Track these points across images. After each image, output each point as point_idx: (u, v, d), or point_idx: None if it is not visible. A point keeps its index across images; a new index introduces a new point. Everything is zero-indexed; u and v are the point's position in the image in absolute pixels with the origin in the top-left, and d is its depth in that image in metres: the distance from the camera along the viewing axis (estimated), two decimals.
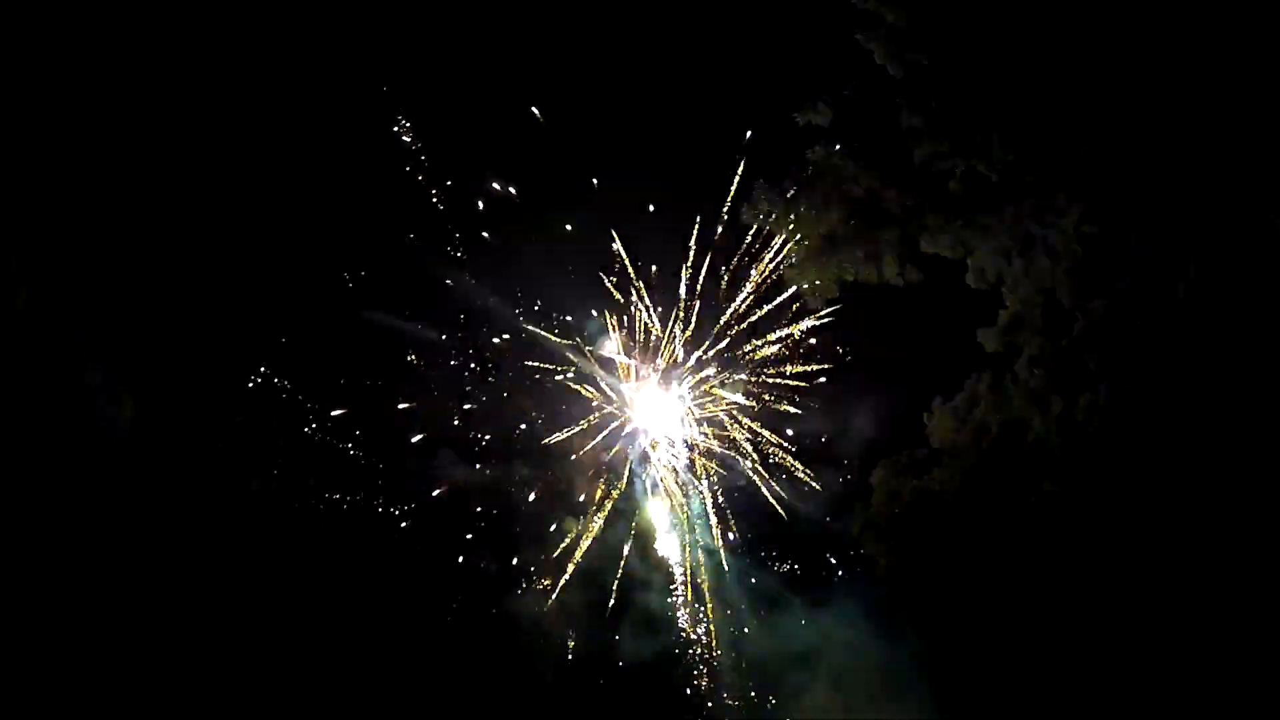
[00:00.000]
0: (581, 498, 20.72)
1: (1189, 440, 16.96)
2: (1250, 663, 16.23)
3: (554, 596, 20.65)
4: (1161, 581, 16.58)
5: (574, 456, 20.82)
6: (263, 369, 19.93)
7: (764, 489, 20.33)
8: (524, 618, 20.81)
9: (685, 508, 20.94)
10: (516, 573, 20.95)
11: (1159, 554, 16.64)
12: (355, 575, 20.31)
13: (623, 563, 20.79)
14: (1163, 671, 16.55)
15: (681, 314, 20.48)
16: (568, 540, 20.68)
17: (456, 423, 20.86)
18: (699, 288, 20.33)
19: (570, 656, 20.90)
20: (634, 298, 20.40)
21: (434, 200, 20.06)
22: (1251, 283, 16.89)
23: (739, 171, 19.72)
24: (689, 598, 20.87)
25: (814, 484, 20.38)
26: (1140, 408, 17.26)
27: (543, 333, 20.57)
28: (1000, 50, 18.06)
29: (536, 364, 20.77)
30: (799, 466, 20.50)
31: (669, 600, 20.94)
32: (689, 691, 21.02)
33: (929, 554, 19.11)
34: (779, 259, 20.12)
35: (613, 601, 20.74)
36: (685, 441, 21.08)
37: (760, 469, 20.60)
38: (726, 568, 20.70)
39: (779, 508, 20.40)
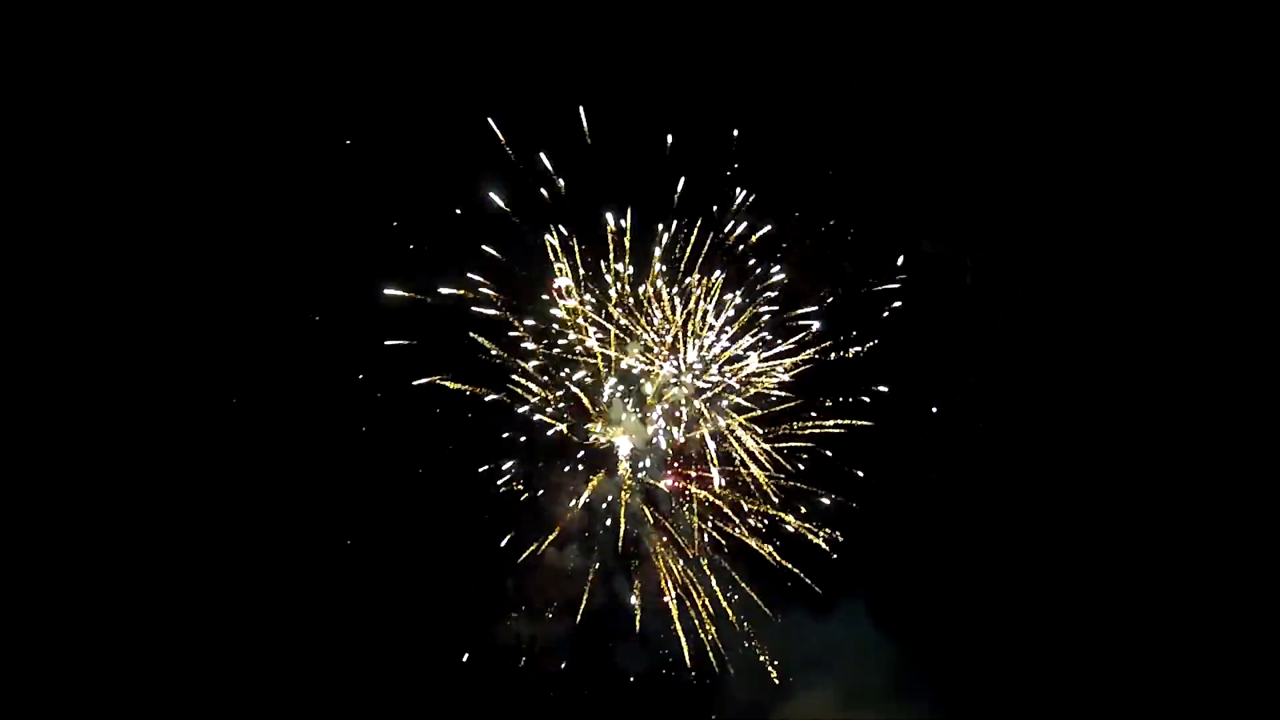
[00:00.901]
0: (560, 523, 20.65)
1: (1190, 440, 16.99)
2: (1249, 662, 16.26)
3: (547, 616, 20.63)
4: (1161, 582, 16.59)
5: (559, 507, 20.72)
6: (236, 400, 19.85)
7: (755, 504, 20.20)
8: (515, 643, 20.80)
9: (671, 525, 20.84)
10: (506, 600, 20.96)
11: (1159, 554, 16.64)
12: (343, 605, 20.25)
13: (590, 584, 20.75)
14: (1161, 672, 16.56)
15: (667, 333, 20.31)
16: (554, 567, 20.65)
17: (425, 470, 20.61)
18: (684, 306, 20.11)
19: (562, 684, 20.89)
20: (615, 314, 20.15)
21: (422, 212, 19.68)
22: (1252, 281, 16.93)
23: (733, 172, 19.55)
24: (679, 615, 20.79)
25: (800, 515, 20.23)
26: (1141, 407, 17.29)
27: (524, 364, 20.32)
28: (1000, 45, 18.09)
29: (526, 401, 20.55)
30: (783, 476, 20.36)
31: (662, 623, 20.91)
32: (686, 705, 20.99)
33: (928, 554, 19.12)
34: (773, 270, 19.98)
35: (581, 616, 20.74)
36: (670, 461, 20.94)
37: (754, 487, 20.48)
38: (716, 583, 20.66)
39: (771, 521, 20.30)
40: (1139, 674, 16.86)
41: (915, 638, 19.52)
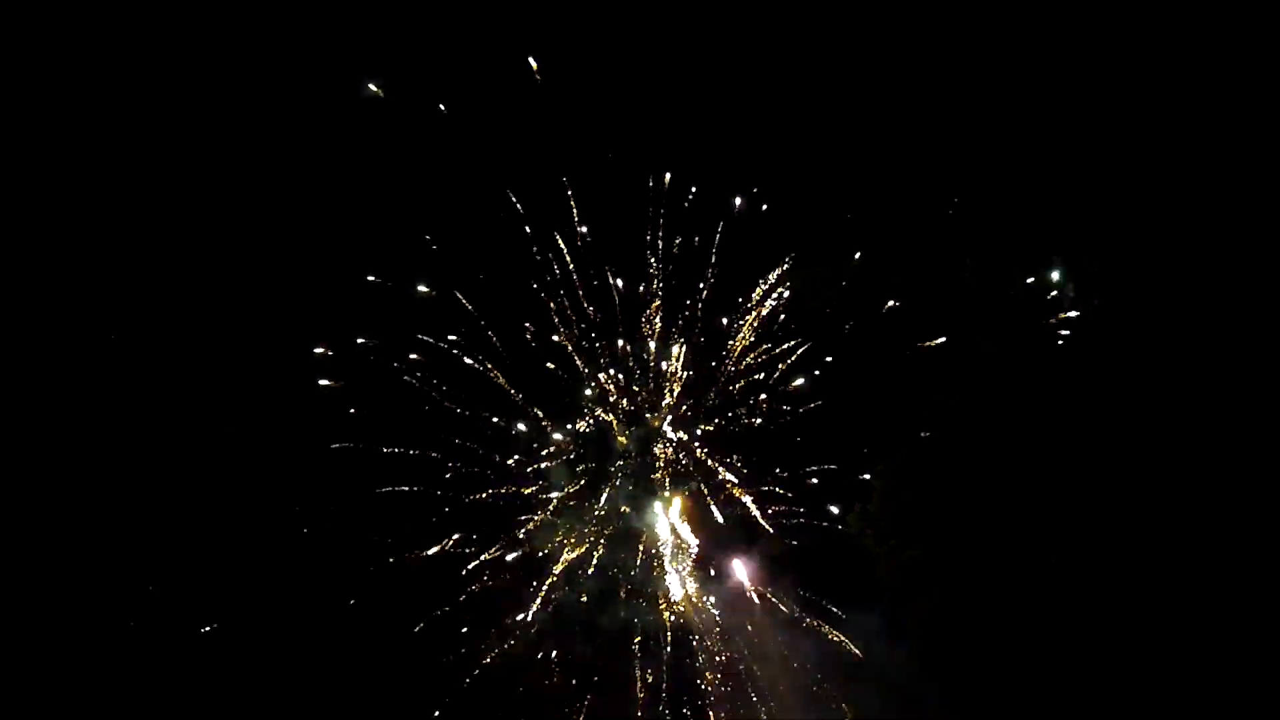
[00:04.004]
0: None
1: (1188, 440, 16.98)
2: (1250, 662, 16.19)
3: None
4: (1161, 582, 16.54)
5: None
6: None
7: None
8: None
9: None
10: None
11: (1158, 555, 16.61)
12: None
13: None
14: (1162, 673, 16.48)
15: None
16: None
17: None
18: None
19: None
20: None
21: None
22: (1249, 283, 16.97)
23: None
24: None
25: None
26: (1139, 408, 17.28)
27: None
28: (998, 52, 18.22)
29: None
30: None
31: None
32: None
33: (929, 554, 19.06)
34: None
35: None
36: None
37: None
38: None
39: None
40: (1138, 674, 16.78)
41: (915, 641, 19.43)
